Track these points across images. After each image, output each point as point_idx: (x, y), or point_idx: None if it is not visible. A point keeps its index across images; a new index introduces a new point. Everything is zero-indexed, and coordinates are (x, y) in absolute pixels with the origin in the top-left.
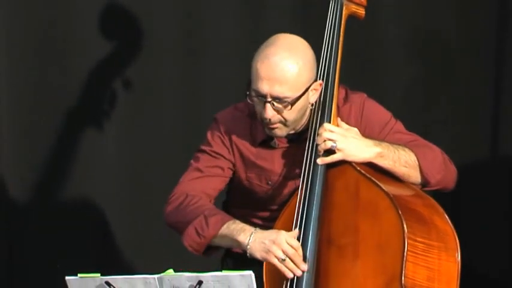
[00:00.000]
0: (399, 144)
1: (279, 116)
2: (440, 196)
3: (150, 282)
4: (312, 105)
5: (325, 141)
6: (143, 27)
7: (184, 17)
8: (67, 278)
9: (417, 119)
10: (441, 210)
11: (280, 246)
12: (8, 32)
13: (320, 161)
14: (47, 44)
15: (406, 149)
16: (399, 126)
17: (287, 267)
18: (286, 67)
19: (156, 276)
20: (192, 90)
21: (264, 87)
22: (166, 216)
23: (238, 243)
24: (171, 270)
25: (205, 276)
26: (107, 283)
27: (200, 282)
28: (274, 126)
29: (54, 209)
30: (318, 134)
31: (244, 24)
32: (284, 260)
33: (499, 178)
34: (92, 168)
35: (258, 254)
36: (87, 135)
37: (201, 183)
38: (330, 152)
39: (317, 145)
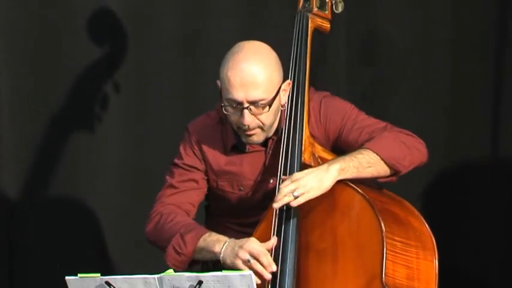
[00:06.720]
0: (353, 150)
1: (257, 121)
2: (439, 196)
3: (150, 282)
4: (283, 106)
5: (285, 195)
6: (143, 28)
7: (184, 17)
8: (67, 278)
9: (417, 119)
10: (417, 212)
11: (246, 249)
12: (5, 33)
13: (294, 203)
14: (46, 43)
15: (362, 151)
16: (360, 117)
17: (254, 270)
18: (257, 71)
19: (156, 276)
20: (192, 90)
21: (239, 94)
22: (146, 235)
23: (214, 254)
24: (171, 270)
25: (205, 276)
26: (107, 283)
27: (200, 282)
28: (252, 132)
29: (54, 209)
30: (277, 191)
31: (244, 24)
32: (249, 261)
33: (499, 179)
34: (92, 169)
35: (228, 260)
36: (88, 135)
37: (177, 199)
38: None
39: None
